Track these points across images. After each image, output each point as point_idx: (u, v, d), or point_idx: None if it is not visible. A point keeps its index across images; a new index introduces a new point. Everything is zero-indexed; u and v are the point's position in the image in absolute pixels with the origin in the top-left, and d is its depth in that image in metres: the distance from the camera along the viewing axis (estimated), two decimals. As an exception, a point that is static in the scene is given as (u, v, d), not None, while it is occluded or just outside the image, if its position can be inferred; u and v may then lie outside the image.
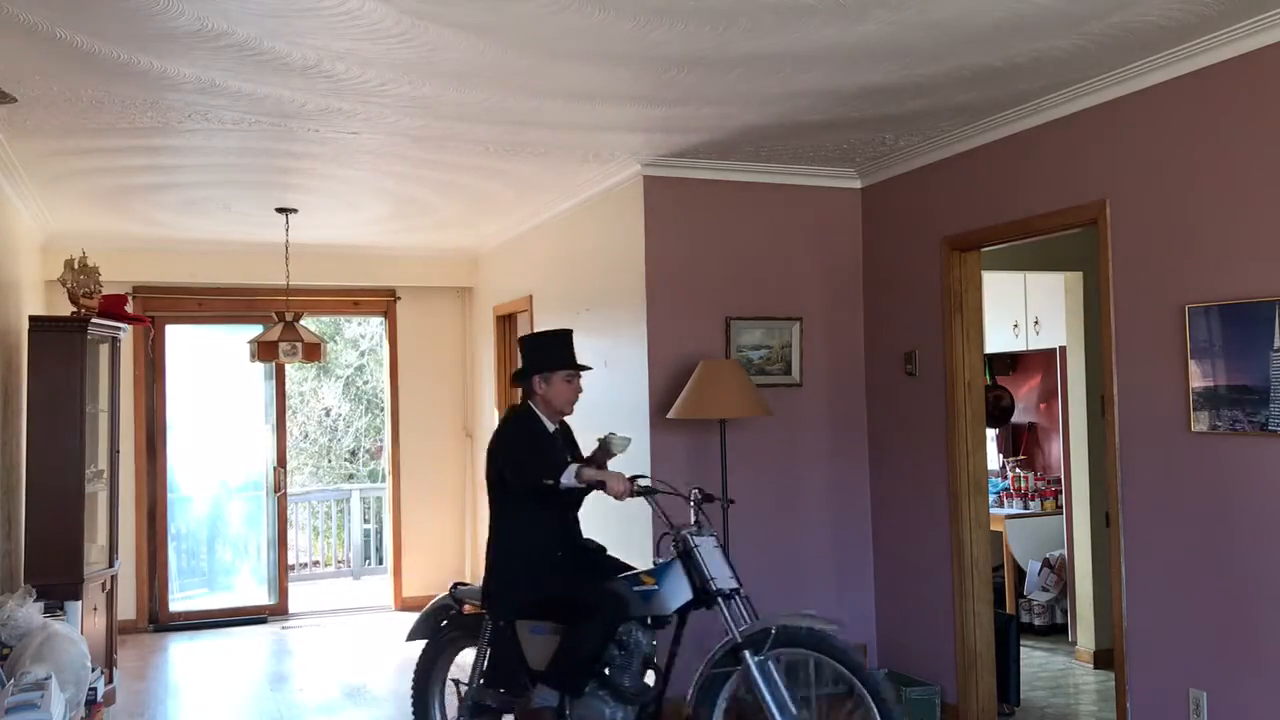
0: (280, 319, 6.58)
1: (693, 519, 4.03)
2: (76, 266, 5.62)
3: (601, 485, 3.84)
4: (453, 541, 8.65)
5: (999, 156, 4.85)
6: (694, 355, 5.41)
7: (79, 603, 5.10)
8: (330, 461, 15.37)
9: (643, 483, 4.01)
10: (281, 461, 8.35)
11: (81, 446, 5.27)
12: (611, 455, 4.22)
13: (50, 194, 5.90)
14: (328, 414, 15.34)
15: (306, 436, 15.22)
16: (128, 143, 4.83)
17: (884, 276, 5.70)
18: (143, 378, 7.94)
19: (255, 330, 6.88)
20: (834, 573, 5.74)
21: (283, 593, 8.36)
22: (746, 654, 3.73)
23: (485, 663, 4.21)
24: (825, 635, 3.72)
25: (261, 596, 8.40)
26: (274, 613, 8.26)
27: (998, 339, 6.97)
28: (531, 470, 3.98)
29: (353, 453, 15.44)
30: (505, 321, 7.89)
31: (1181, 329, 3.89)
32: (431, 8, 3.26)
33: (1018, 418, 7.72)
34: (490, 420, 8.05)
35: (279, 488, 8.33)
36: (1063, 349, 6.45)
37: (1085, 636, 6.22)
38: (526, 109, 4.41)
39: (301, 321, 6.64)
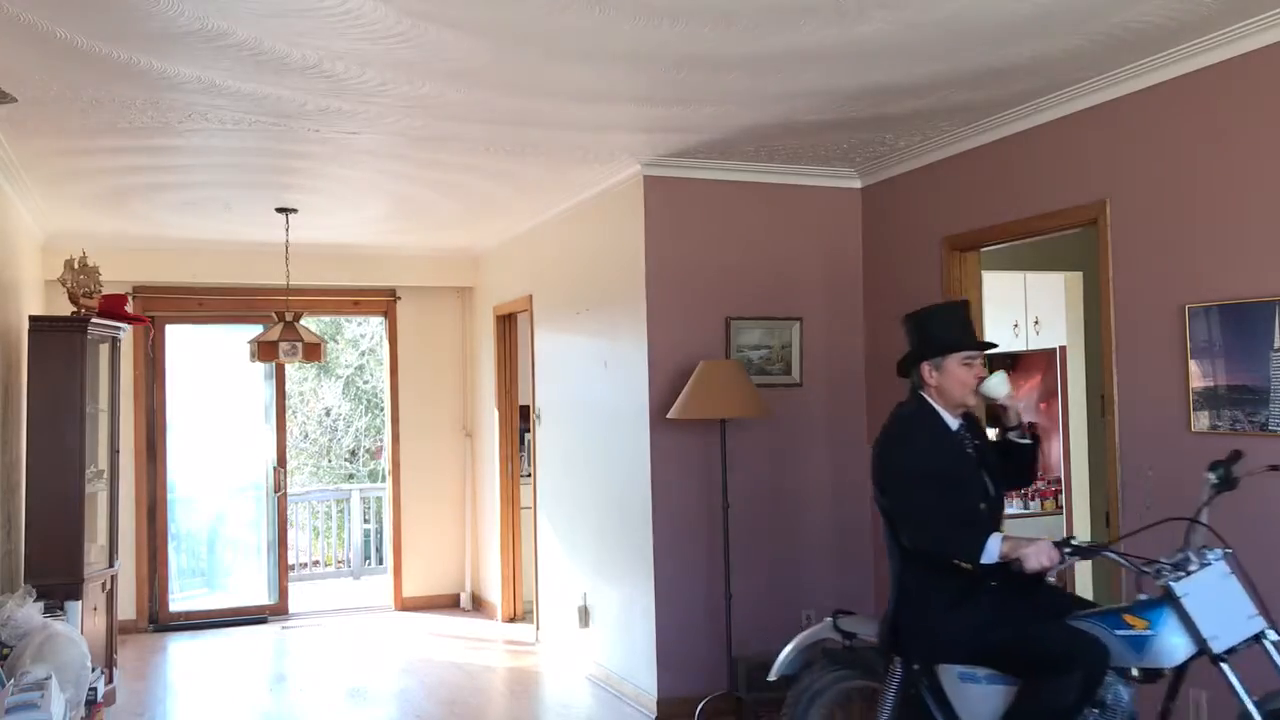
0: (280, 319, 6.58)
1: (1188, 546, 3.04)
2: (76, 266, 5.62)
3: (1019, 564, 3.03)
4: (453, 541, 8.65)
5: (999, 156, 4.85)
6: (694, 355, 5.41)
7: (79, 603, 5.09)
8: (330, 461, 15.37)
9: (1078, 542, 3.10)
10: (281, 461, 8.34)
11: (81, 446, 5.26)
12: (997, 403, 3.42)
13: (50, 194, 5.90)
14: (328, 414, 15.34)
15: (306, 436, 15.21)
16: (128, 143, 4.83)
17: (884, 276, 5.70)
18: (143, 378, 7.94)
19: (255, 330, 6.88)
20: (834, 573, 5.74)
21: (283, 593, 8.36)
22: None
23: (892, 713, 3.40)
24: None
25: (262, 596, 8.39)
26: (274, 613, 8.26)
27: (998, 339, 6.94)
28: (938, 536, 3.15)
29: (353, 453, 15.44)
30: (505, 321, 7.89)
31: (1181, 329, 3.89)
32: (431, 8, 3.26)
33: (1018, 418, 7.70)
34: (490, 420, 8.05)
35: (279, 488, 8.32)
36: (1063, 349, 6.45)
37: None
38: (526, 109, 4.41)
39: (301, 321, 6.64)
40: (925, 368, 3.35)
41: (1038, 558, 3.00)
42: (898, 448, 3.32)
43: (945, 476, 3.22)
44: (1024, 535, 3.17)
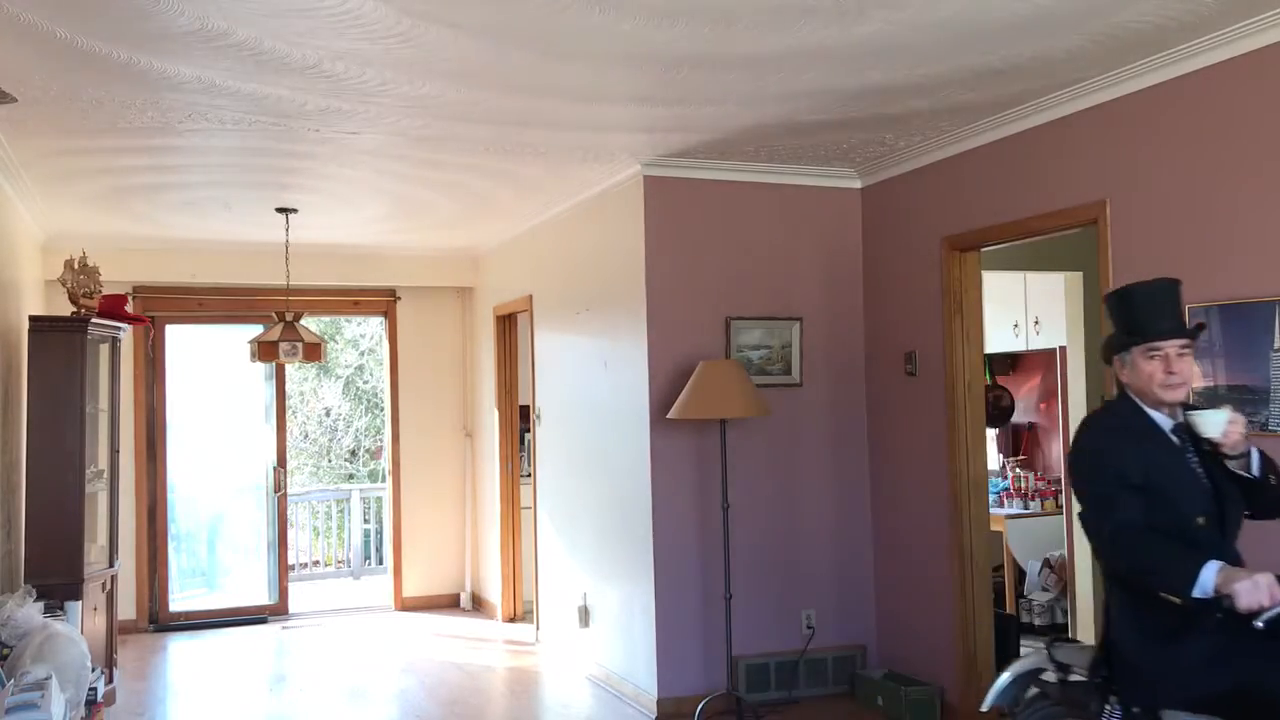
0: (280, 319, 6.58)
1: None
2: (76, 266, 5.62)
3: (1230, 600, 2.46)
4: (453, 541, 8.64)
5: (999, 156, 4.85)
6: (694, 355, 5.41)
7: (79, 603, 5.09)
8: (330, 461, 15.37)
9: None
10: (281, 461, 8.34)
11: (81, 446, 5.26)
12: (1209, 440, 2.77)
13: (50, 194, 5.90)
14: (328, 414, 15.34)
15: (306, 436, 15.21)
16: (128, 143, 4.83)
17: (884, 276, 5.70)
18: (143, 378, 7.94)
19: (255, 330, 6.88)
20: (834, 572, 5.74)
21: (283, 593, 8.35)
22: None
23: None
24: None
25: (262, 596, 8.39)
26: (274, 613, 8.26)
27: (998, 339, 6.97)
28: (1138, 560, 2.63)
29: (353, 453, 15.43)
30: (505, 321, 7.90)
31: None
32: (431, 8, 3.26)
33: (1018, 418, 7.71)
34: (490, 420, 8.05)
35: (279, 488, 8.32)
36: (1063, 349, 6.45)
37: (1085, 636, 6.21)
38: (526, 109, 4.41)
39: (301, 321, 6.64)
40: (1116, 361, 2.88)
41: (1254, 595, 2.43)
42: (1090, 450, 2.84)
43: (1147, 485, 2.69)
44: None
